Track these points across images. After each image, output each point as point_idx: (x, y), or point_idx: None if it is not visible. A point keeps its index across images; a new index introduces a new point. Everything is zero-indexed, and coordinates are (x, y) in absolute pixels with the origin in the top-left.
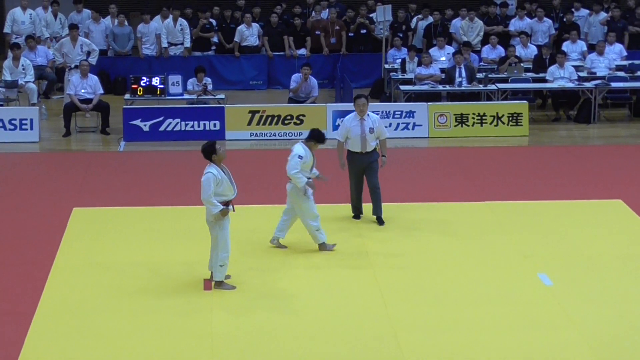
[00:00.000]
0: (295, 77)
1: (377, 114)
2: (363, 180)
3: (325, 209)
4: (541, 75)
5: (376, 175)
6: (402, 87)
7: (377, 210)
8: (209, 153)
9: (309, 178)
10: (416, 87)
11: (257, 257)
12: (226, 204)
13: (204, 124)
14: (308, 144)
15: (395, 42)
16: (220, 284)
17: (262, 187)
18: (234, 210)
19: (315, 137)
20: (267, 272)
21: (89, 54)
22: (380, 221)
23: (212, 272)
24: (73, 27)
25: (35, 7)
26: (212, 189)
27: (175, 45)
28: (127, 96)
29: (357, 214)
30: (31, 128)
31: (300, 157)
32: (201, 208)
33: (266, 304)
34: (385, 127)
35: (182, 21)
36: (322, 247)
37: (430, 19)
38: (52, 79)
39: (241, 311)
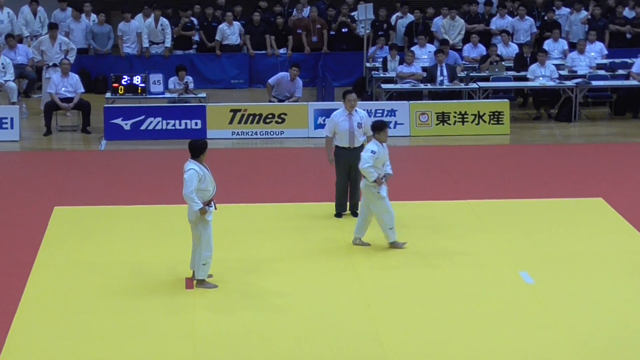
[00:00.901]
0: (282, 76)
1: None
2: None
3: (307, 207)
4: (522, 73)
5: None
6: (384, 86)
7: (354, 206)
8: (201, 150)
9: (383, 176)
10: (398, 86)
11: (240, 256)
12: (207, 203)
13: (186, 123)
14: (377, 138)
15: (378, 41)
16: (202, 283)
17: (244, 185)
18: (215, 209)
19: (376, 127)
20: (250, 272)
21: (67, 52)
22: (354, 214)
23: (194, 271)
24: (53, 26)
25: (12, 6)
26: (195, 185)
27: (157, 44)
28: (108, 95)
29: (340, 211)
30: (11, 127)
31: (373, 152)
32: (183, 207)
33: (248, 303)
34: None
35: (163, 21)
36: (393, 245)
37: (411, 17)
38: (32, 77)
39: (223, 310)
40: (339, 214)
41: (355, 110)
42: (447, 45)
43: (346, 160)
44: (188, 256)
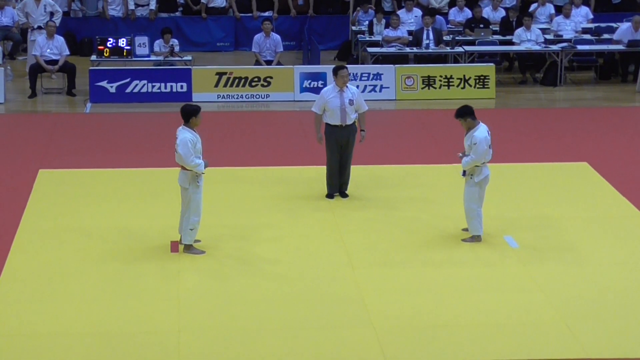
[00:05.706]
0: (257, 38)
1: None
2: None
3: (293, 171)
4: (508, 37)
5: (352, 152)
6: (370, 49)
7: (343, 185)
8: (189, 114)
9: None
10: (383, 50)
11: (226, 221)
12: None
13: (171, 86)
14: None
15: (363, 7)
16: (189, 248)
17: (230, 149)
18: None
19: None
20: (237, 238)
21: (52, 14)
22: (343, 194)
23: (181, 235)
24: None
25: None
26: (191, 151)
27: (142, 6)
28: (93, 57)
29: (332, 192)
30: None
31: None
32: (169, 170)
33: (234, 269)
34: None
35: None
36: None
37: None
38: (17, 39)
39: (210, 275)
40: (330, 195)
41: (347, 86)
42: (435, 15)
43: (337, 139)
44: (176, 220)
